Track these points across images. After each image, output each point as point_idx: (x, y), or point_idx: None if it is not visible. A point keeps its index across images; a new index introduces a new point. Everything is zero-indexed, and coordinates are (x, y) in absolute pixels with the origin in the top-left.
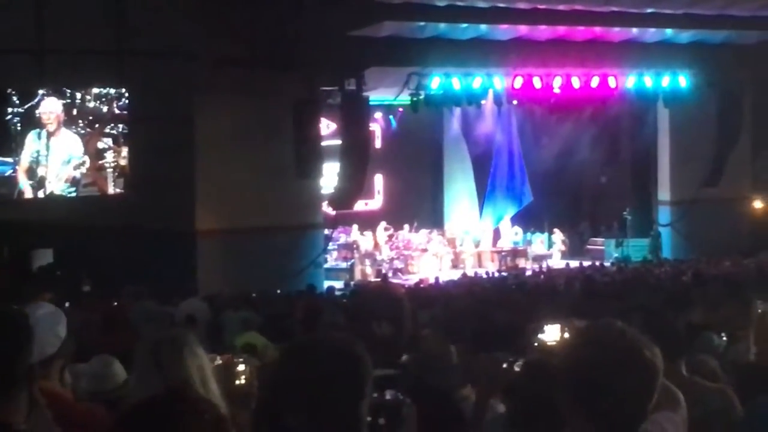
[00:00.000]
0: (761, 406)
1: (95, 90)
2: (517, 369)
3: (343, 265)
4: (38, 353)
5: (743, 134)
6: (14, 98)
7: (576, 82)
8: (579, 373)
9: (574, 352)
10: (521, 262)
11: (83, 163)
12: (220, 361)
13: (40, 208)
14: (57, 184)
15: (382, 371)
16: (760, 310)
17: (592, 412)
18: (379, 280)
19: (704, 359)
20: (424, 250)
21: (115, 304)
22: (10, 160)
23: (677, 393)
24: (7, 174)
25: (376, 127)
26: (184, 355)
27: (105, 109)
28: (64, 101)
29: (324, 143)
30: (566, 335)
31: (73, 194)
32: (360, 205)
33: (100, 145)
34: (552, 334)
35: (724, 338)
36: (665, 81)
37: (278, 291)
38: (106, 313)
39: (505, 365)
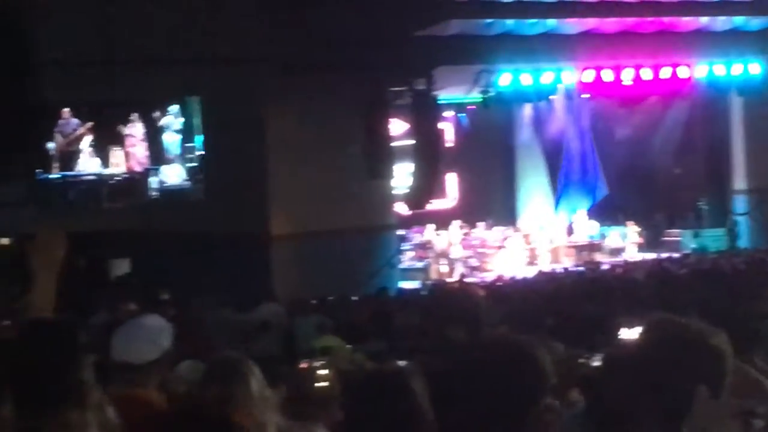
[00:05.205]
0: None
1: None
2: (594, 364)
3: (419, 265)
4: (137, 357)
5: None
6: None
7: (646, 74)
8: (647, 371)
9: (641, 352)
10: (597, 256)
11: None
12: (304, 366)
13: (115, 218)
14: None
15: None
16: None
17: (666, 409)
18: (455, 279)
19: None
20: (500, 248)
21: (191, 311)
22: None
23: (762, 381)
24: None
25: (447, 126)
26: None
27: None
28: None
29: (395, 144)
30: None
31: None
32: (433, 204)
33: None
34: (634, 333)
35: None
36: (737, 69)
37: (353, 294)
38: (181, 321)
39: (581, 360)
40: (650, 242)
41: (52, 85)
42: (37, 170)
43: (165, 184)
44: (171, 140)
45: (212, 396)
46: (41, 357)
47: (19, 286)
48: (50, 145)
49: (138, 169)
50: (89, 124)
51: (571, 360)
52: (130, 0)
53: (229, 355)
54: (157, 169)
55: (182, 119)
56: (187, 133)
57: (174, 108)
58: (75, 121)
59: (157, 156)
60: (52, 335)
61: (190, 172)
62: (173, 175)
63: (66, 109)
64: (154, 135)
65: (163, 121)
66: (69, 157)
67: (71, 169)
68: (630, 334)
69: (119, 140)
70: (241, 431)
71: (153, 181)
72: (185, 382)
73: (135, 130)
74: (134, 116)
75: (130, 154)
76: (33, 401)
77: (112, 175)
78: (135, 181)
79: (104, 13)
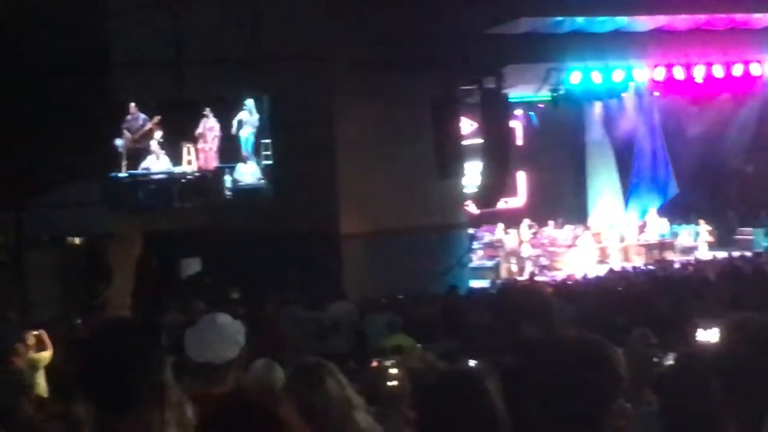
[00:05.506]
0: None
1: None
2: (667, 363)
3: (489, 263)
4: (217, 357)
5: None
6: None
7: (718, 71)
8: (727, 371)
9: (721, 352)
10: (668, 255)
11: None
12: (375, 364)
13: (186, 216)
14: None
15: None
16: None
17: (745, 408)
18: (526, 278)
19: None
20: (571, 246)
21: (263, 310)
22: None
23: None
24: None
25: (517, 125)
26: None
27: None
28: None
29: (465, 142)
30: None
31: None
32: (503, 203)
33: None
34: (711, 334)
35: None
36: None
37: (423, 292)
38: (252, 320)
39: (655, 359)
40: (722, 241)
41: (124, 84)
42: (107, 169)
43: (239, 183)
44: (245, 137)
45: (257, 390)
46: (124, 356)
47: (95, 284)
48: (118, 142)
49: (210, 167)
50: (157, 119)
51: (644, 359)
52: None
53: (308, 360)
54: (232, 168)
55: (257, 116)
56: (261, 131)
57: (249, 103)
58: (142, 116)
59: (231, 153)
60: (136, 335)
61: (265, 170)
62: (248, 173)
63: (132, 104)
64: (227, 132)
65: (238, 117)
66: (137, 154)
67: (138, 168)
68: (707, 335)
69: (191, 137)
70: (284, 424)
71: (227, 180)
72: (260, 380)
73: (207, 126)
74: (207, 111)
75: (201, 151)
76: (113, 401)
77: (183, 174)
78: (207, 180)
79: (175, 12)
